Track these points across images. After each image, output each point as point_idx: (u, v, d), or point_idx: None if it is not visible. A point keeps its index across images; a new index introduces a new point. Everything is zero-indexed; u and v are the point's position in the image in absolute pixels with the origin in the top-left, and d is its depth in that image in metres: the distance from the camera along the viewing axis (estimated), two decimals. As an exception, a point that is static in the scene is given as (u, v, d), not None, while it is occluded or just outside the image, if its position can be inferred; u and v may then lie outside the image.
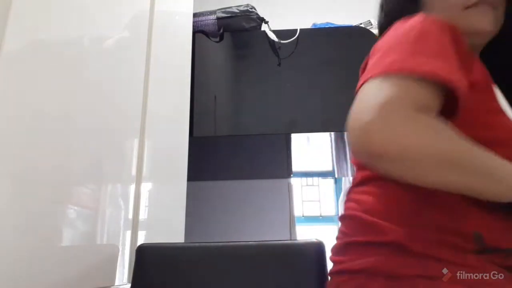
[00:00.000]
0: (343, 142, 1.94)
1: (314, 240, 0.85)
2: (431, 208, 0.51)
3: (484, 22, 0.57)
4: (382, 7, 0.72)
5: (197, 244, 0.90)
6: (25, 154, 0.78)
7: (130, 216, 1.11)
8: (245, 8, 1.78)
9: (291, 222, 2.30)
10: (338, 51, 1.75)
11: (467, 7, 0.58)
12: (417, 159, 0.42)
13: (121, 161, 1.12)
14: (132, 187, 1.13)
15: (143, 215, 1.15)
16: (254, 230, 2.22)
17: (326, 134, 1.82)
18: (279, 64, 1.74)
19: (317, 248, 0.83)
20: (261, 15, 1.81)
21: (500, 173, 0.45)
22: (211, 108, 1.69)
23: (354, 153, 0.45)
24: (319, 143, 2.01)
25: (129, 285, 0.90)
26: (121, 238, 1.08)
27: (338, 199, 2.68)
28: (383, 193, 0.55)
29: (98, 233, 1.00)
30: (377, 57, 0.51)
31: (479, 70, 0.57)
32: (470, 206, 0.50)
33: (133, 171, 1.14)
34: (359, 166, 0.63)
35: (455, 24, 0.54)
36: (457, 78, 0.46)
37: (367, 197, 0.57)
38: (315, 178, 2.80)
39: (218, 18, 1.74)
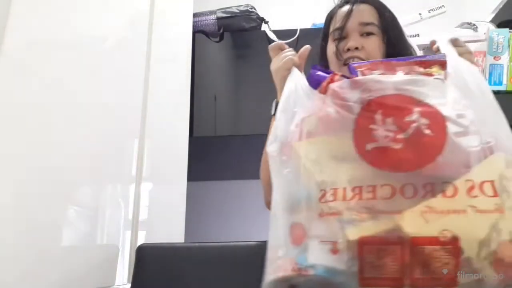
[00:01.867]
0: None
1: (314, 240, 0.85)
2: None
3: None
4: None
5: (197, 244, 0.90)
6: (26, 154, 0.79)
7: (130, 216, 1.11)
8: (245, 8, 1.78)
9: (291, 222, 2.29)
10: (338, 51, 1.74)
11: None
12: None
13: (121, 161, 1.12)
14: (132, 187, 1.13)
15: (143, 215, 1.15)
16: (254, 230, 2.21)
17: (326, 134, 1.82)
18: (279, 64, 1.73)
19: (317, 248, 0.83)
20: (261, 15, 1.81)
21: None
22: (211, 108, 1.69)
23: None
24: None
25: (129, 285, 0.90)
26: (121, 238, 1.08)
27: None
28: None
29: (98, 233, 1.00)
30: None
31: None
32: None
33: (133, 171, 1.14)
34: None
35: None
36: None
37: None
38: (315, 178, 2.80)
39: (218, 18, 1.74)
